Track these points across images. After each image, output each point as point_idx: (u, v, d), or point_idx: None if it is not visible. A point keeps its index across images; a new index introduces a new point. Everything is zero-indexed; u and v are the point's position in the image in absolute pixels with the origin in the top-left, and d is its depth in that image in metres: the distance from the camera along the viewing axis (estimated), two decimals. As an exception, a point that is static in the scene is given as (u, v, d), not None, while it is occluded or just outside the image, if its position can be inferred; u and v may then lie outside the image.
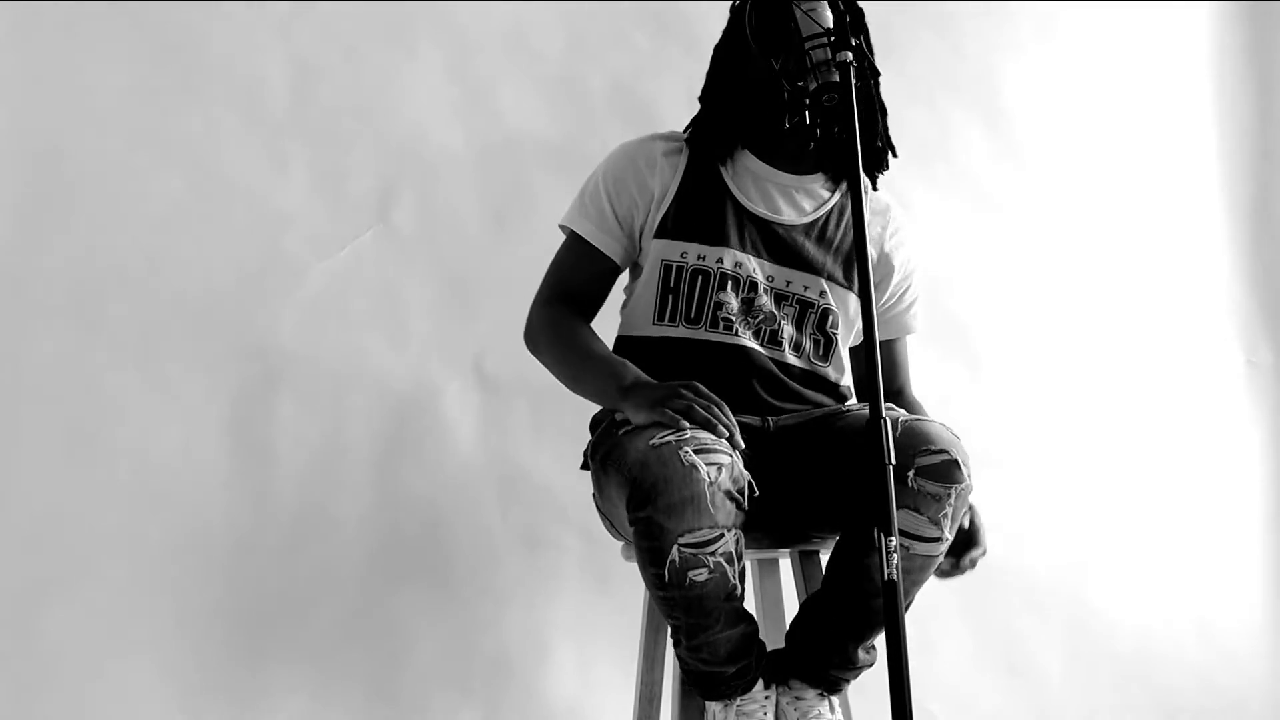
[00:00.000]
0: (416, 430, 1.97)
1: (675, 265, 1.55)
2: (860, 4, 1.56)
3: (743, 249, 1.57)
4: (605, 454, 1.42)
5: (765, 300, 1.57)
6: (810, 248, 1.60)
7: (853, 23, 1.30)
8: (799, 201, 1.62)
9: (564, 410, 1.99)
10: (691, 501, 1.26)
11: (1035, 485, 2.40)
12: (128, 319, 1.83)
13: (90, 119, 1.86)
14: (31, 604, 1.72)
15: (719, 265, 1.55)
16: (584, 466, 1.59)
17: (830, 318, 1.60)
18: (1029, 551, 2.36)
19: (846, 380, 1.66)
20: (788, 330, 1.58)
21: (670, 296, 1.56)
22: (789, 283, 1.58)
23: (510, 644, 1.96)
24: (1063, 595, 2.37)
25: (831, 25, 1.31)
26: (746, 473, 1.33)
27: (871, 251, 1.64)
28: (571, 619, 2.01)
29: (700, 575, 1.29)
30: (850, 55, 1.27)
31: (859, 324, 1.63)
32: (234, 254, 1.91)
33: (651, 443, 1.29)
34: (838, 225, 1.63)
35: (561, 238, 1.64)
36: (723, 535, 1.28)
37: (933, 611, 2.11)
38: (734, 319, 1.55)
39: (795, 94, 1.33)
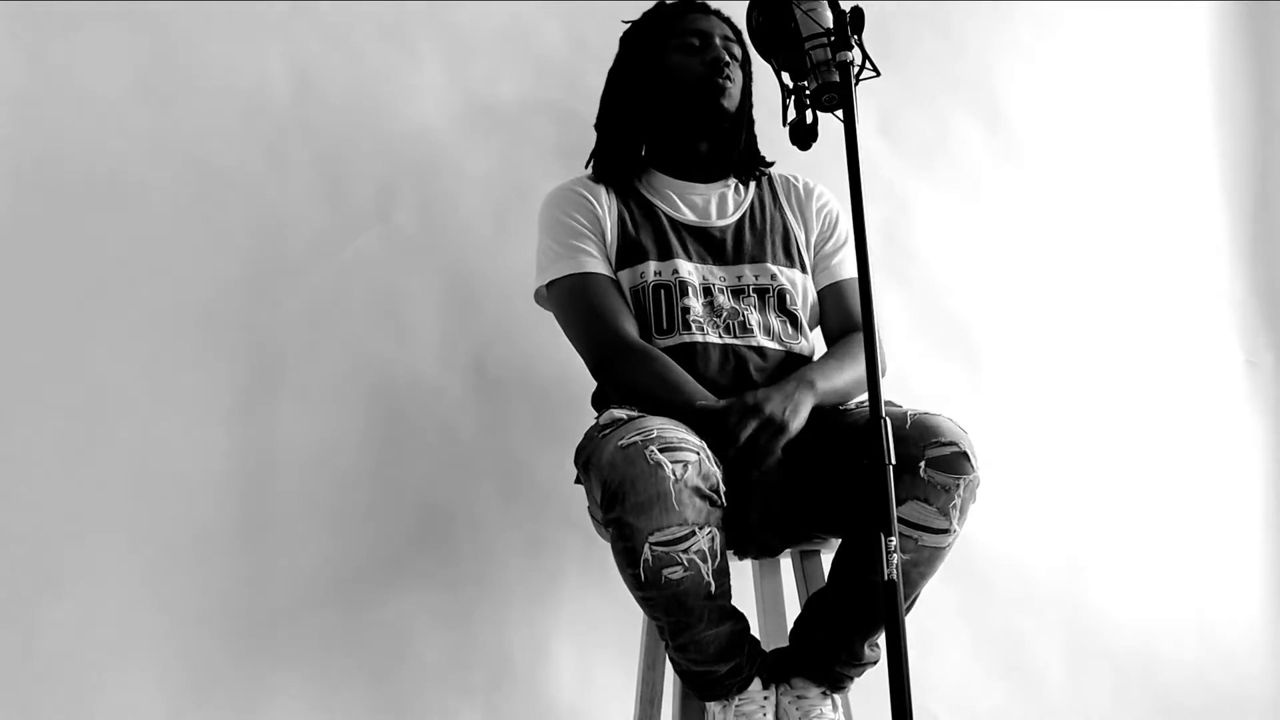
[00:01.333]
0: (417, 430, 1.97)
1: (640, 287, 1.62)
2: (861, 4, 1.56)
3: (688, 259, 1.64)
4: (586, 459, 1.45)
5: (723, 300, 1.63)
6: (747, 240, 1.68)
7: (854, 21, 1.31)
8: (723, 204, 1.71)
9: (564, 410, 1.99)
10: (658, 500, 1.27)
11: (1035, 485, 2.40)
12: (128, 318, 1.83)
13: (90, 119, 1.86)
14: (31, 604, 1.72)
15: (675, 275, 1.61)
16: (577, 481, 1.60)
17: (787, 296, 1.66)
18: (1028, 551, 2.36)
19: (820, 350, 1.71)
20: (754, 318, 1.63)
21: (643, 317, 1.61)
22: (740, 277, 1.65)
23: (510, 644, 1.96)
24: (1062, 594, 2.37)
25: (831, 25, 1.32)
26: (717, 470, 1.33)
27: (814, 224, 1.75)
28: (571, 619, 2.00)
29: (675, 573, 1.30)
30: (851, 55, 1.28)
31: (813, 296, 1.71)
32: (234, 254, 1.91)
33: (619, 444, 1.30)
34: (763, 214, 1.71)
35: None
36: (694, 533, 1.29)
37: (933, 612, 2.11)
38: (702, 320, 1.60)
39: (795, 93, 1.34)
